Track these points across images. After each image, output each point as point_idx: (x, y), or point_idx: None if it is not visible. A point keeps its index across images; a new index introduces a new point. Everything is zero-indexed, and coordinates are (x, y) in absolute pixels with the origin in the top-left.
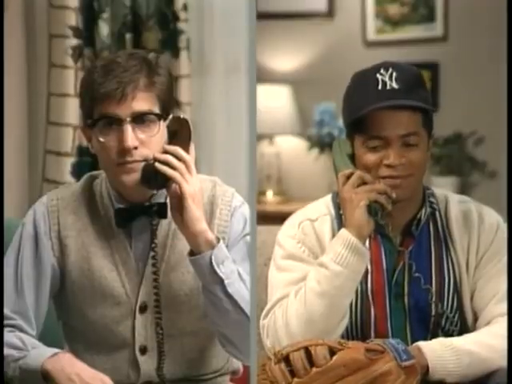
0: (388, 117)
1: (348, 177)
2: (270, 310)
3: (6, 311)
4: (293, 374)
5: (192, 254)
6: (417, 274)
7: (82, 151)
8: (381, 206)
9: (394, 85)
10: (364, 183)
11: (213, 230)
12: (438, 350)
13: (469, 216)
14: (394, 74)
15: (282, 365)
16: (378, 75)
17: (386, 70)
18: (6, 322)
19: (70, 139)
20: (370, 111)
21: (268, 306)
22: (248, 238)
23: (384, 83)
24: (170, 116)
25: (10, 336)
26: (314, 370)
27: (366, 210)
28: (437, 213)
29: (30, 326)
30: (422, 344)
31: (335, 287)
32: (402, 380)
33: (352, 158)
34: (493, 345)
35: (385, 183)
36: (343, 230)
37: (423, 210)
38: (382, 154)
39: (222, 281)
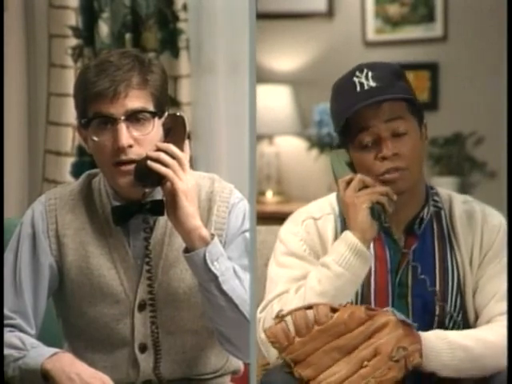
0: (371, 111)
1: (348, 182)
2: (268, 304)
3: (5, 311)
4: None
5: (187, 251)
6: (422, 276)
7: (81, 151)
8: (383, 207)
9: (372, 83)
10: (365, 187)
11: (210, 227)
12: (432, 341)
13: (473, 216)
14: (370, 74)
15: (284, 324)
16: (354, 78)
17: (361, 72)
18: (5, 321)
19: (69, 139)
20: (352, 113)
21: (266, 299)
22: (246, 234)
23: (361, 84)
24: (166, 113)
25: (9, 336)
26: (316, 327)
27: (369, 213)
28: (442, 212)
29: (30, 326)
30: None
31: (335, 288)
32: (399, 334)
33: (351, 165)
34: (490, 341)
35: (385, 180)
36: (348, 233)
37: (426, 209)
38: (375, 150)
39: (216, 277)
